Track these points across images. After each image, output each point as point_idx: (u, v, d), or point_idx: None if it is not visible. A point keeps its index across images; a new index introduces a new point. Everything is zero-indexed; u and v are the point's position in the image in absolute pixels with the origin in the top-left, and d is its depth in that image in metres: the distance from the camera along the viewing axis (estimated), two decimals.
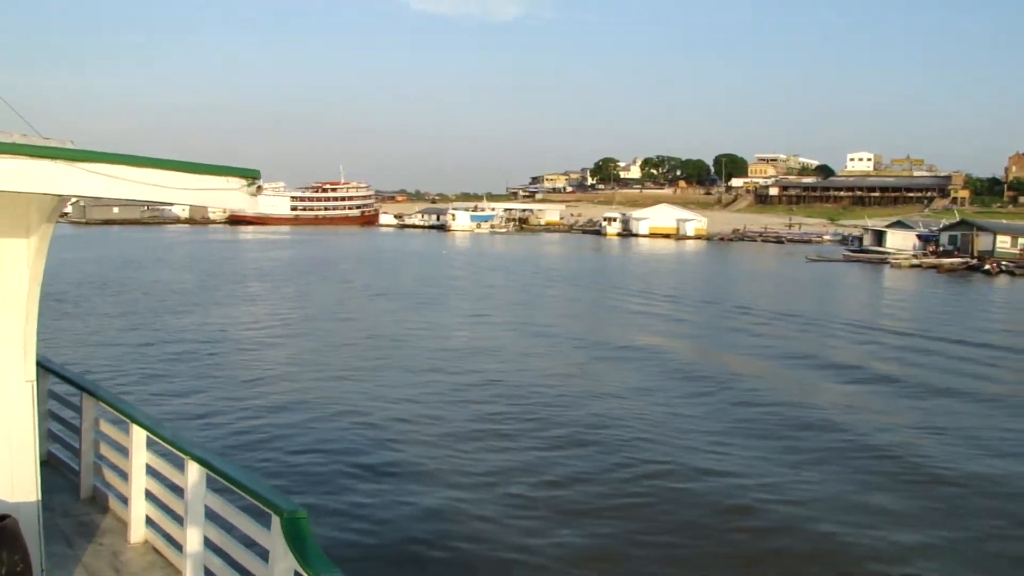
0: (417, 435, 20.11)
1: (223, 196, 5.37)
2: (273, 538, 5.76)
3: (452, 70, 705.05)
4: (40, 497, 6.74)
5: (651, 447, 19.42)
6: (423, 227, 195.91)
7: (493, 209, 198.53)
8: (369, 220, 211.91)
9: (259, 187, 5.53)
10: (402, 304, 49.28)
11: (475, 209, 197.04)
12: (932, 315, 48.71)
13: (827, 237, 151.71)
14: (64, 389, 10.02)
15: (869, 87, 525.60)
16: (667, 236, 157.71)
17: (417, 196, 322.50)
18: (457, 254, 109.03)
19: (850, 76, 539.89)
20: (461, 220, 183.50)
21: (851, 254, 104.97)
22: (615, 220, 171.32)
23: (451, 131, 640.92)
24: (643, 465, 18.09)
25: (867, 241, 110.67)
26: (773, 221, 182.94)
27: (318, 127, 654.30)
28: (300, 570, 5.44)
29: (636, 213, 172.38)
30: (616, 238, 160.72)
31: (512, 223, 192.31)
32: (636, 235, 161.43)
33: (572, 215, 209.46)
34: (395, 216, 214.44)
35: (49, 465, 9.56)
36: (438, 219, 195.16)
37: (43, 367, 8.82)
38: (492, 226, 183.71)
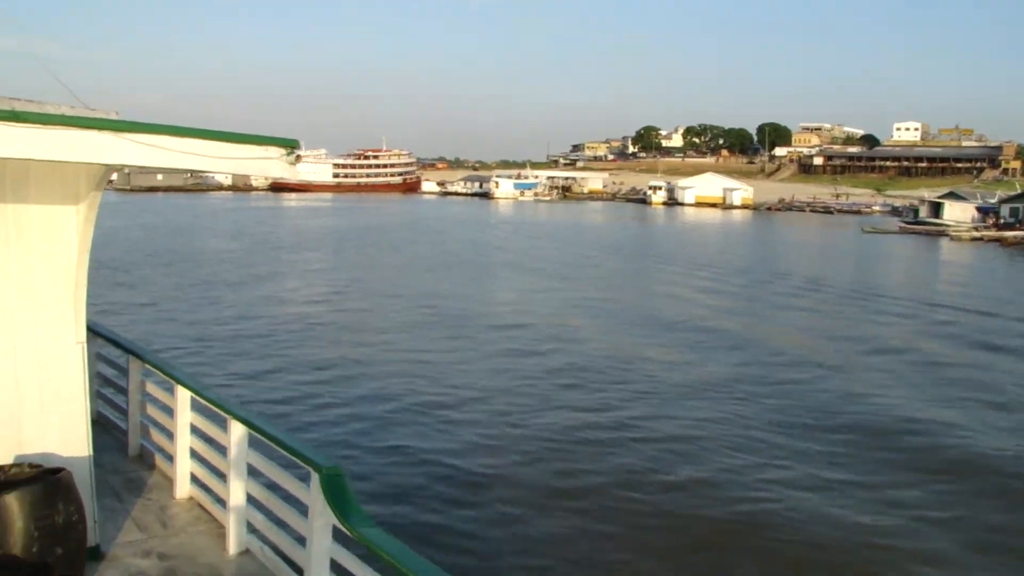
0: (509, 437, 18.25)
1: (262, 165, 5.52)
2: (312, 494, 5.98)
3: (490, 37, 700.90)
4: (91, 453, 7.07)
5: (768, 464, 17.24)
6: (466, 195, 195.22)
7: (536, 177, 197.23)
8: (411, 187, 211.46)
9: (298, 156, 5.63)
10: (461, 276, 48.73)
11: (518, 177, 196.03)
12: (1014, 294, 46.82)
13: (876, 208, 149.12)
14: (112, 352, 10.45)
15: (917, 55, 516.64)
16: (713, 205, 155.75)
17: (457, 164, 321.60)
18: (504, 223, 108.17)
19: (897, 44, 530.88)
20: (505, 188, 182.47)
21: (907, 226, 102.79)
22: (660, 189, 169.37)
23: (491, 99, 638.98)
24: (777, 486, 16.64)
25: (923, 213, 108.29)
26: (818, 191, 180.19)
27: (359, 95, 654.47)
28: (339, 524, 5.63)
29: (682, 182, 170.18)
30: (661, 207, 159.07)
31: (555, 191, 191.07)
32: (682, 204, 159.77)
33: (615, 183, 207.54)
34: (438, 183, 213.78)
35: (99, 424, 9.88)
36: (481, 187, 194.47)
37: (92, 331, 9.09)
38: (536, 194, 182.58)
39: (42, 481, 6.04)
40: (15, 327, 6.67)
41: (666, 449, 17.77)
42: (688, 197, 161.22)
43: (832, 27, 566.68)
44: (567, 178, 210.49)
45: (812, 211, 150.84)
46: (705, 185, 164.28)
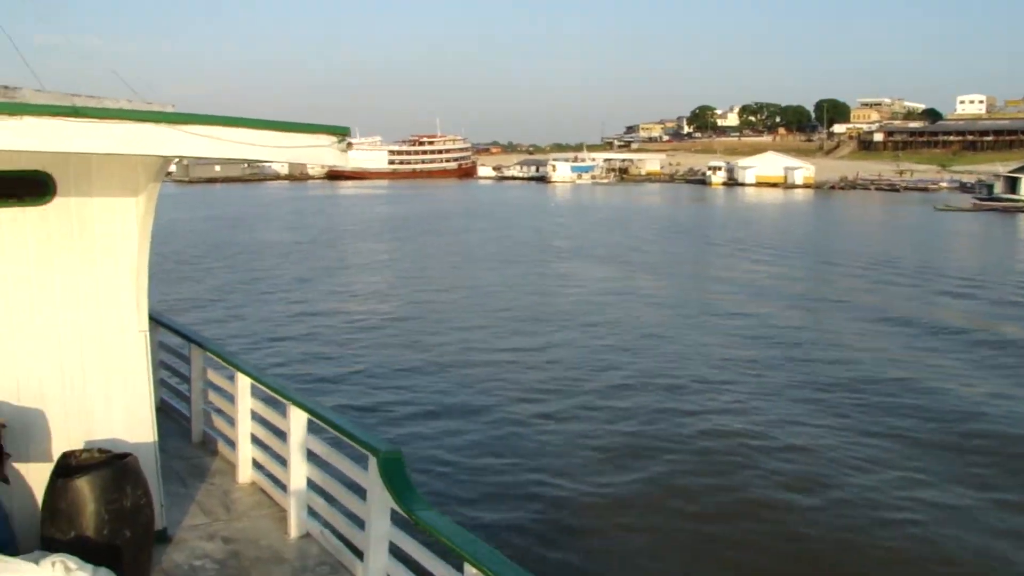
0: (618, 449, 17.07)
1: (314, 153, 5.56)
2: (371, 477, 6.14)
3: (540, 19, 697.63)
4: (156, 439, 7.27)
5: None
6: (523, 179, 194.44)
7: (593, 159, 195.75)
8: (466, 172, 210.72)
9: (349, 144, 5.65)
10: (531, 267, 47.61)
11: (575, 160, 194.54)
12: None
13: (944, 184, 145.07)
14: (174, 341, 10.63)
15: (981, 23, 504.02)
16: (774, 185, 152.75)
17: (511, 148, 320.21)
18: (565, 207, 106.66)
19: (959, 12, 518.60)
20: (562, 171, 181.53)
21: (980, 203, 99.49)
22: (720, 169, 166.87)
23: (542, 82, 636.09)
24: (927, 507, 14.43)
25: (998, 189, 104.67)
26: (880, 168, 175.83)
27: (411, 81, 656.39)
28: (396, 507, 5.75)
29: (742, 162, 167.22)
30: (721, 187, 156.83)
31: (613, 173, 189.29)
32: (742, 184, 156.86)
33: (672, 164, 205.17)
34: (494, 168, 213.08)
35: (163, 412, 10.06)
36: (537, 171, 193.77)
37: (155, 320, 9.28)
38: (593, 177, 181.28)
39: (111, 466, 6.24)
40: (80, 317, 6.85)
41: (790, 460, 16.42)
42: (748, 177, 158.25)
43: None
44: (624, 160, 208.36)
45: (877, 189, 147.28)
46: (766, 164, 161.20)
